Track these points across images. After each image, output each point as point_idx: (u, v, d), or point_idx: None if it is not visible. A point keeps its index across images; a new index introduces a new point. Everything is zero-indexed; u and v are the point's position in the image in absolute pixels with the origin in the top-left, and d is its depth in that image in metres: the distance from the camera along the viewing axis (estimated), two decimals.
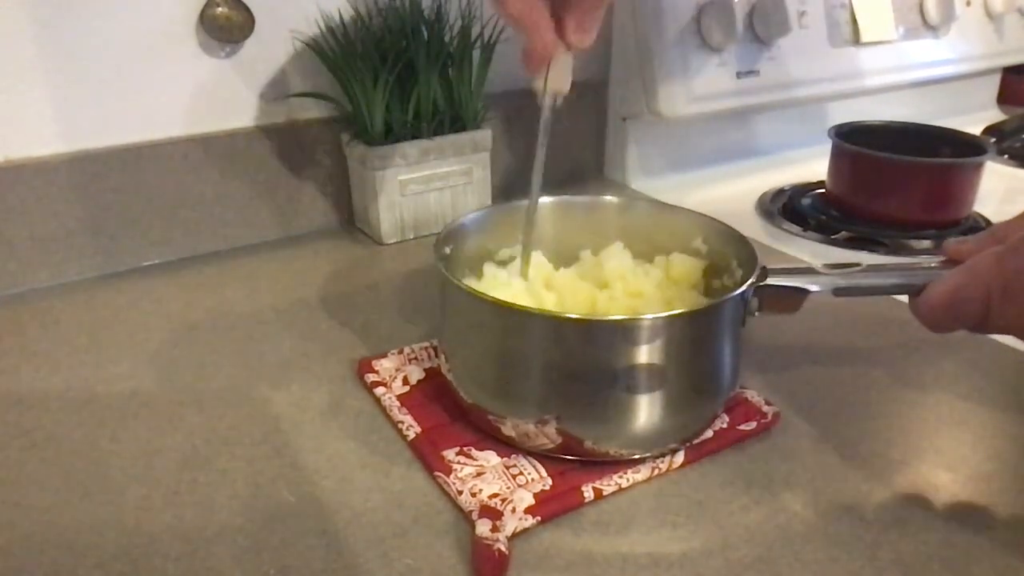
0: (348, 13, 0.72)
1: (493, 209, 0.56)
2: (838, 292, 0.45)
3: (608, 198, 0.56)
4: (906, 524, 0.40)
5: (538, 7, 0.45)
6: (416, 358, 0.54)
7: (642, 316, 0.42)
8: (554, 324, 0.41)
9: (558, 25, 0.45)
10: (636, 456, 0.44)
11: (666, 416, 0.43)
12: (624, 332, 0.41)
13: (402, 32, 0.70)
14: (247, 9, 0.68)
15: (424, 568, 0.38)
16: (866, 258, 0.72)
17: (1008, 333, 0.40)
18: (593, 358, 0.41)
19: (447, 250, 0.49)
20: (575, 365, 0.41)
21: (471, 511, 0.40)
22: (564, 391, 0.42)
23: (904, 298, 0.44)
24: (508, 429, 0.44)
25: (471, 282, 0.50)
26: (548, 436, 0.43)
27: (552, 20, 0.45)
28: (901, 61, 0.99)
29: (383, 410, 0.49)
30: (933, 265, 0.43)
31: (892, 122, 0.84)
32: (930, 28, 1.01)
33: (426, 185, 0.74)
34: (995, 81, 1.21)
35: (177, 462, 0.45)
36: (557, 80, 0.48)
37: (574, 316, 0.41)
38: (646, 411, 0.42)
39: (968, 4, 1.05)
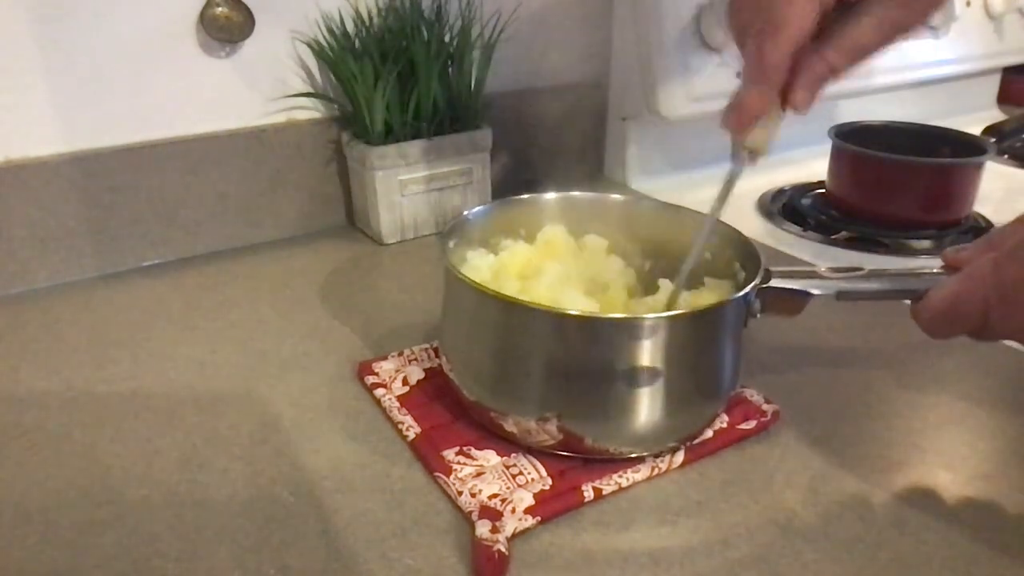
0: (348, 13, 0.72)
1: (499, 204, 0.55)
2: (841, 296, 0.45)
3: (613, 196, 0.56)
4: (906, 524, 0.40)
5: (787, 62, 0.40)
6: (416, 359, 0.54)
7: (644, 315, 0.42)
8: (556, 320, 0.41)
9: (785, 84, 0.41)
10: (636, 454, 0.44)
11: (666, 415, 0.43)
12: (626, 330, 0.41)
13: (402, 32, 0.70)
14: (247, 9, 0.68)
15: (424, 568, 0.38)
16: (866, 258, 0.72)
17: (1007, 338, 0.40)
18: (595, 355, 0.41)
19: (451, 244, 0.49)
20: (577, 362, 0.41)
21: (471, 512, 0.40)
22: (566, 388, 0.42)
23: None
24: (510, 426, 0.44)
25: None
26: (549, 433, 0.43)
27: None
28: (901, 61, 0.99)
29: (383, 410, 0.49)
30: (934, 271, 0.43)
31: (892, 122, 0.84)
32: (930, 28, 1.01)
33: (426, 185, 0.74)
34: (995, 81, 1.21)
35: (177, 462, 0.45)
36: (761, 137, 0.42)
37: (575, 312, 0.41)
38: (647, 410, 0.42)
39: (968, 4, 1.05)
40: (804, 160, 0.94)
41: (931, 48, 1.02)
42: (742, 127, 0.42)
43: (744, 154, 0.43)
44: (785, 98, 0.42)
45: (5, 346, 0.57)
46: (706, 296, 0.48)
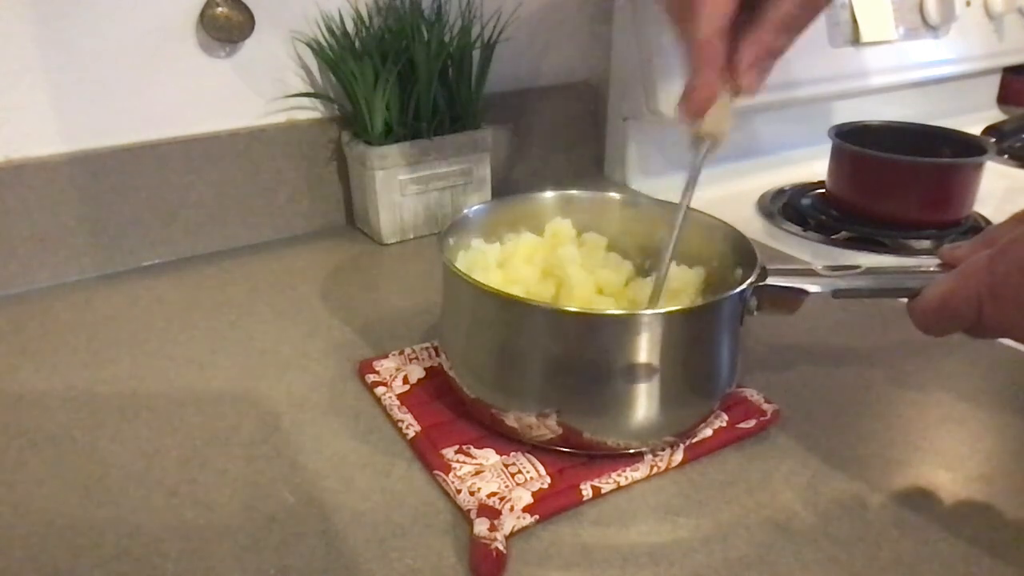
0: (348, 13, 0.72)
1: (497, 203, 0.56)
2: (837, 294, 0.45)
3: (608, 194, 0.56)
4: (906, 524, 0.40)
5: (716, 42, 0.39)
6: (416, 358, 0.54)
7: (642, 311, 0.42)
8: (554, 317, 0.42)
9: (728, 65, 0.41)
10: (633, 449, 0.44)
11: (663, 411, 0.43)
12: (624, 327, 0.41)
13: (402, 32, 0.70)
14: (247, 9, 0.68)
15: (424, 568, 0.38)
16: (866, 258, 0.72)
17: (1000, 335, 0.40)
18: (593, 351, 0.41)
19: (451, 241, 0.49)
20: (575, 357, 0.42)
21: (469, 510, 0.40)
22: (565, 383, 0.42)
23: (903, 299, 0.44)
24: (511, 421, 0.44)
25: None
26: (549, 428, 0.43)
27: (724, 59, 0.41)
28: (901, 61, 0.99)
29: (383, 409, 0.49)
30: (931, 269, 0.43)
31: (892, 122, 0.84)
32: (930, 28, 1.01)
33: (426, 185, 0.74)
34: (995, 81, 1.21)
35: (177, 462, 0.45)
36: (717, 123, 0.42)
37: (574, 309, 0.41)
38: (643, 405, 0.42)
39: (968, 4, 1.05)
40: (804, 160, 0.94)
41: (931, 48, 1.02)
42: (695, 114, 0.43)
43: (703, 142, 0.44)
44: (734, 83, 0.42)
45: (5, 346, 0.57)
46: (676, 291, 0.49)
